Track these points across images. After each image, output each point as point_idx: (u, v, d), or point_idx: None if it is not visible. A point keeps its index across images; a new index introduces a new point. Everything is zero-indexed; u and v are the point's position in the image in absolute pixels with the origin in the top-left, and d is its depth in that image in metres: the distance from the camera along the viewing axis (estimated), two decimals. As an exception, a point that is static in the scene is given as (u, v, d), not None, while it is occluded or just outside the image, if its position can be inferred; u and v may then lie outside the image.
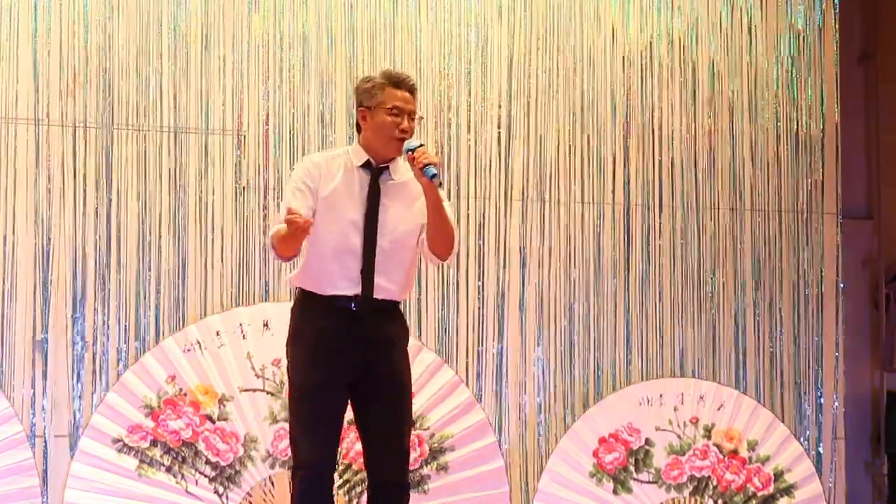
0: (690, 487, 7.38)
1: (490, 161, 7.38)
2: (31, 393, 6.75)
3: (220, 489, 6.82)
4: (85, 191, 6.89)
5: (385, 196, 5.16)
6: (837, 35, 7.86)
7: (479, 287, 7.31)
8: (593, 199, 7.50)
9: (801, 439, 7.55)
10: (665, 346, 7.51)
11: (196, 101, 7.05)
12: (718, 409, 7.45)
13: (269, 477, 6.89)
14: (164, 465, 6.76)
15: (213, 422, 6.84)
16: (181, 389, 6.82)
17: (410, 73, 5.37)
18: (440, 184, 5.03)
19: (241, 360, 6.90)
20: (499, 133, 7.40)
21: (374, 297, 5.11)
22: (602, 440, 7.32)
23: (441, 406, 7.08)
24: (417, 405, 6.90)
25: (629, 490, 7.31)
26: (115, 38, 6.96)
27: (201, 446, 6.81)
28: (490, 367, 7.29)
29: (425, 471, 7.03)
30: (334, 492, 5.18)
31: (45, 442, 6.74)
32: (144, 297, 6.91)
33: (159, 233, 6.95)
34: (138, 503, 6.70)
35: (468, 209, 7.31)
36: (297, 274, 5.21)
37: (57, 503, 6.68)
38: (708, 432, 7.42)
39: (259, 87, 7.12)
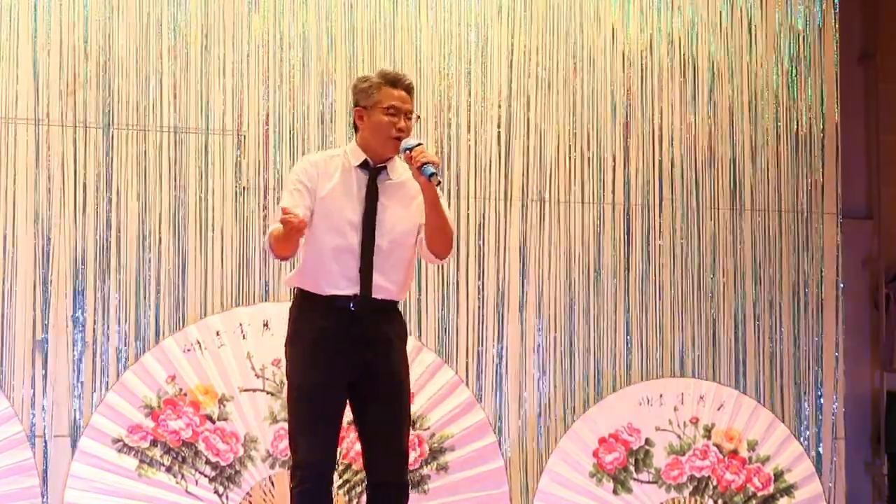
0: (690, 487, 7.38)
1: (490, 161, 7.38)
2: (31, 393, 6.75)
3: (220, 489, 6.82)
4: (85, 191, 6.89)
5: (383, 196, 5.16)
6: (837, 35, 7.86)
7: (479, 287, 7.31)
8: (593, 199, 7.50)
9: (801, 439, 7.55)
10: (665, 346, 7.51)
11: (196, 101, 7.05)
12: (718, 409, 7.45)
13: (269, 477, 6.89)
14: (164, 465, 6.76)
15: (213, 422, 6.84)
16: (181, 389, 6.82)
17: (410, 73, 5.38)
18: (439, 182, 5.03)
19: (241, 360, 6.90)
20: (499, 133, 7.40)
21: (373, 296, 5.11)
22: (602, 440, 7.32)
23: (441, 406, 7.08)
24: (418, 405, 6.90)
25: (629, 490, 7.31)
26: (115, 38, 6.97)
27: (201, 446, 6.82)
28: (490, 367, 7.29)
29: (425, 471, 7.03)
30: (334, 492, 5.18)
31: (45, 442, 6.74)
32: (144, 297, 6.91)
33: (159, 233, 6.95)
34: (138, 503, 6.70)
35: (468, 209, 7.31)
36: (296, 274, 5.22)
37: (57, 503, 6.68)
38: (708, 432, 7.42)
39: (259, 87, 7.12)
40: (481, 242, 7.33)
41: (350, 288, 5.10)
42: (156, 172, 6.98)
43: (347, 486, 6.91)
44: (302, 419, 5.10)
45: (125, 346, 6.86)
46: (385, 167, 5.19)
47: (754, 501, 7.42)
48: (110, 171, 6.92)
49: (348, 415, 5.21)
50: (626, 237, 7.53)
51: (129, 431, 6.75)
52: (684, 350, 7.53)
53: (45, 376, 6.77)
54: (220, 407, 6.85)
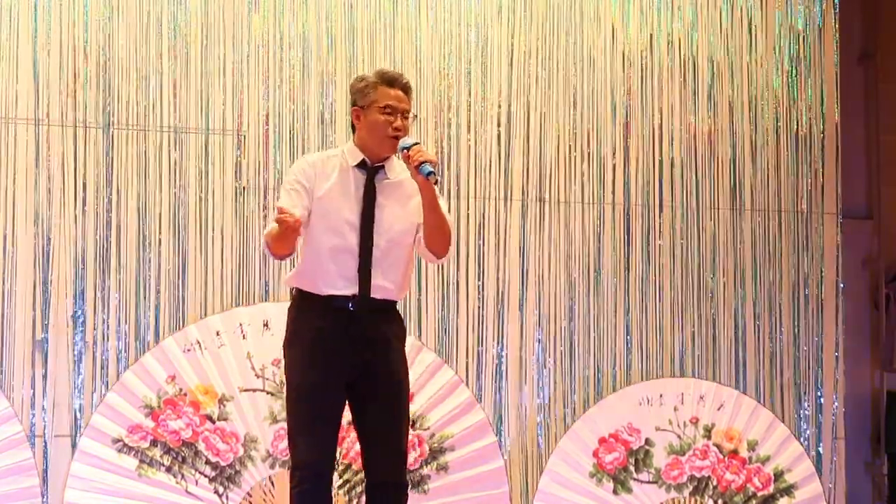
0: (690, 487, 7.37)
1: (490, 161, 7.38)
2: (31, 393, 6.76)
3: (220, 489, 6.82)
4: (85, 191, 6.90)
5: (381, 195, 5.16)
6: (837, 35, 7.86)
7: (479, 287, 7.31)
8: (593, 199, 7.50)
9: (801, 439, 7.55)
10: (665, 346, 7.51)
11: (196, 101, 7.05)
12: (718, 409, 7.45)
13: (269, 477, 6.89)
14: (164, 465, 6.76)
15: (213, 422, 6.84)
16: (181, 389, 6.83)
17: (410, 73, 5.38)
18: (436, 181, 5.03)
19: (241, 360, 6.90)
20: (499, 133, 7.40)
21: (372, 296, 5.11)
22: (602, 440, 7.32)
23: (441, 406, 7.08)
24: (417, 405, 6.90)
25: (629, 490, 7.31)
26: (115, 38, 6.97)
27: (201, 446, 6.82)
28: (490, 367, 7.29)
29: (425, 471, 7.03)
30: (334, 492, 5.18)
31: (45, 442, 6.74)
32: (144, 297, 6.91)
33: (159, 233, 6.95)
34: (138, 503, 6.70)
35: (468, 209, 7.31)
36: (294, 274, 5.22)
37: (57, 503, 6.69)
38: (708, 432, 7.42)
39: (259, 87, 7.13)
40: (481, 242, 7.33)
41: (348, 288, 5.10)
42: (156, 172, 6.98)
43: (347, 486, 6.91)
44: (301, 419, 5.10)
45: (125, 346, 6.86)
46: (382, 167, 5.19)
47: (754, 501, 7.42)
48: (110, 171, 6.92)
49: (347, 415, 5.21)
50: (626, 237, 7.52)
51: (129, 431, 6.75)
52: (684, 350, 7.53)
53: (45, 376, 6.77)
54: (220, 407, 6.85)
